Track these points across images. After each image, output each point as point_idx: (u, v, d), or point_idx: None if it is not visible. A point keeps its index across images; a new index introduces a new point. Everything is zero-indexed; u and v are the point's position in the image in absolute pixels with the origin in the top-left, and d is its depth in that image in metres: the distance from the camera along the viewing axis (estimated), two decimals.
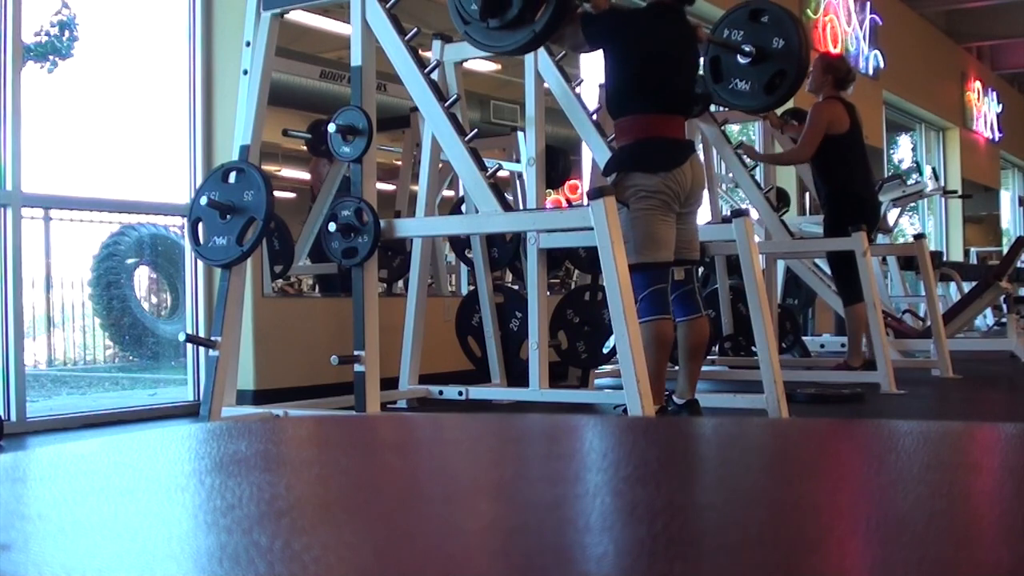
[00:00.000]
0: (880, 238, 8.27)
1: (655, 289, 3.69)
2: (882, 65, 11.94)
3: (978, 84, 15.53)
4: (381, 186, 4.45)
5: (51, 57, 5.40)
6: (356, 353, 3.86)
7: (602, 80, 4.05)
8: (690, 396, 3.85)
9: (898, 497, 0.71)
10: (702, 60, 4.68)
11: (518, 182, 5.80)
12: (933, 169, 12.52)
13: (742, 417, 3.92)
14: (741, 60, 4.87)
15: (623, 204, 3.64)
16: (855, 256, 5.44)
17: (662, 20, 3.81)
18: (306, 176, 5.61)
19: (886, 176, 9.72)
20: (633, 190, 3.70)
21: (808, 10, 10.29)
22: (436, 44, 5.02)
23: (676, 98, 3.83)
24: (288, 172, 5.52)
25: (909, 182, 9.39)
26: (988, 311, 9.38)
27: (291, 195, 5.57)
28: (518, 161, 5.70)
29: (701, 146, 6.23)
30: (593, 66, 7.29)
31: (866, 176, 5.77)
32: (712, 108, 5.89)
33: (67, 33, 5.43)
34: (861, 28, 11.52)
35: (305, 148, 5.30)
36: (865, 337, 5.63)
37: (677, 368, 4.03)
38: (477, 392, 4.69)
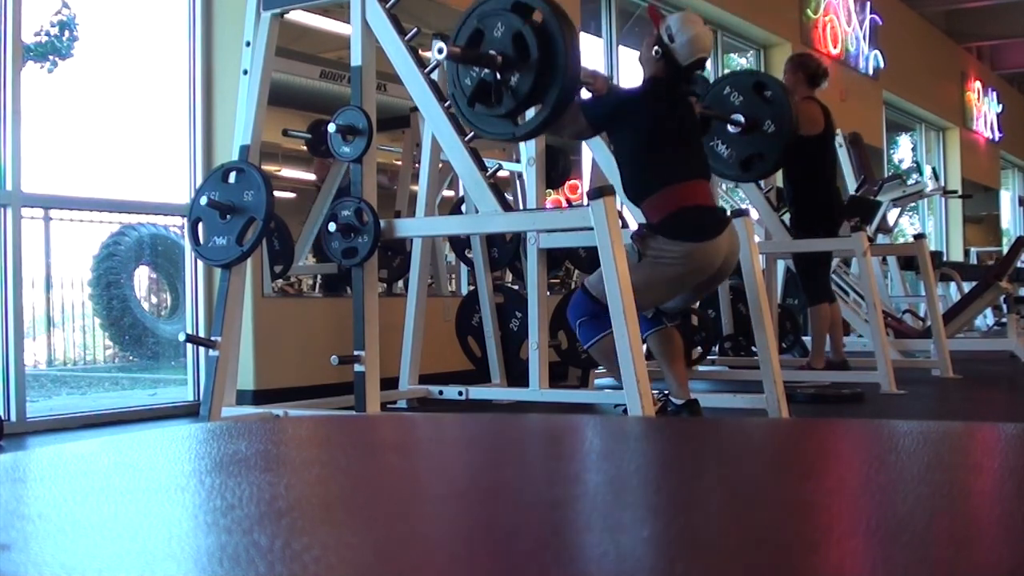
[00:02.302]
0: (880, 238, 8.28)
1: (595, 313, 3.66)
2: (882, 65, 11.94)
3: (978, 84, 15.53)
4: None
5: (51, 57, 5.40)
6: (356, 353, 3.86)
7: (617, 166, 4.03)
8: (686, 396, 3.85)
9: (898, 497, 0.71)
10: None
11: (518, 182, 5.80)
12: (933, 169, 12.53)
13: (742, 417, 3.92)
14: (730, 128, 4.91)
15: (640, 255, 3.56)
16: (818, 257, 5.50)
17: (661, 93, 3.77)
18: (306, 176, 5.61)
19: (886, 176, 9.72)
20: (652, 254, 3.60)
21: (808, 10, 10.29)
22: (436, 44, 5.01)
23: (696, 165, 3.76)
24: (288, 172, 5.52)
25: (909, 182, 9.39)
26: (988, 311, 9.38)
27: (291, 195, 5.57)
28: (518, 161, 5.69)
29: None
30: (592, 66, 7.30)
31: (832, 180, 5.81)
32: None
33: (67, 33, 5.43)
34: (861, 28, 11.52)
35: (305, 148, 5.30)
36: (831, 339, 5.65)
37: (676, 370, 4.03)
38: (477, 392, 4.69)
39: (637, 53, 3.97)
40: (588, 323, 3.68)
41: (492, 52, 3.42)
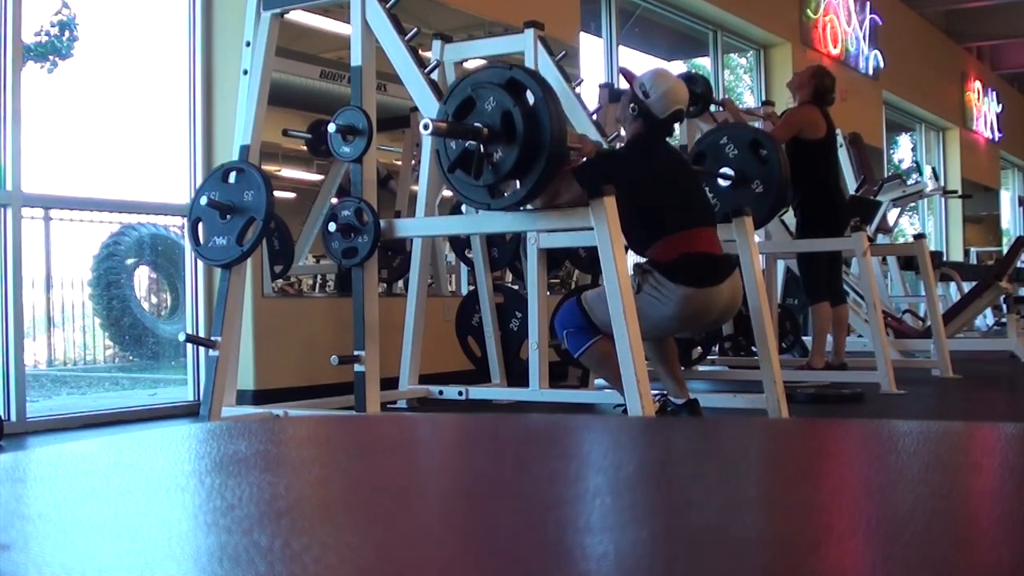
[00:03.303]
0: (880, 238, 8.29)
1: (581, 325, 3.67)
2: (882, 65, 11.94)
3: (978, 84, 15.53)
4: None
5: (51, 57, 5.40)
6: (356, 353, 3.86)
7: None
8: (685, 396, 3.85)
9: (898, 497, 0.71)
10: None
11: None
12: (933, 169, 12.52)
13: (742, 417, 3.92)
14: (720, 181, 4.91)
15: (637, 289, 3.55)
16: (820, 256, 5.51)
17: (651, 150, 3.79)
18: (306, 176, 5.61)
19: (886, 176, 9.72)
20: (648, 289, 3.60)
21: (808, 10, 10.29)
22: (436, 44, 5.02)
23: (697, 212, 3.77)
24: (288, 172, 5.52)
25: (909, 182, 9.39)
26: (988, 311, 9.38)
27: (291, 195, 5.57)
28: None
29: None
30: (592, 66, 7.30)
31: (837, 182, 5.83)
32: (712, 108, 5.90)
33: (67, 33, 5.44)
34: (861, 28, 11.52)
35: (305, 148, 5.30)
36: (834, 341, 5.66)
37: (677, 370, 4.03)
38: (477, 392, 4.69)
39: (617, 112, 4.00)
40: (575, 333, 3.70)
41: (478, 125, 3.43)
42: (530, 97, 3.41)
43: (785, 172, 4.90)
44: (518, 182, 3.48)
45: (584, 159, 3.91)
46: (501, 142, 3.41)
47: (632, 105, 3.80)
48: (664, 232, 3.67)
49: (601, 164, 3.83)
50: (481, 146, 3.45)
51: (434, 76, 3.92)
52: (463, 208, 5.02)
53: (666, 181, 3.75)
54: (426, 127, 3.38)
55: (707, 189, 4.83)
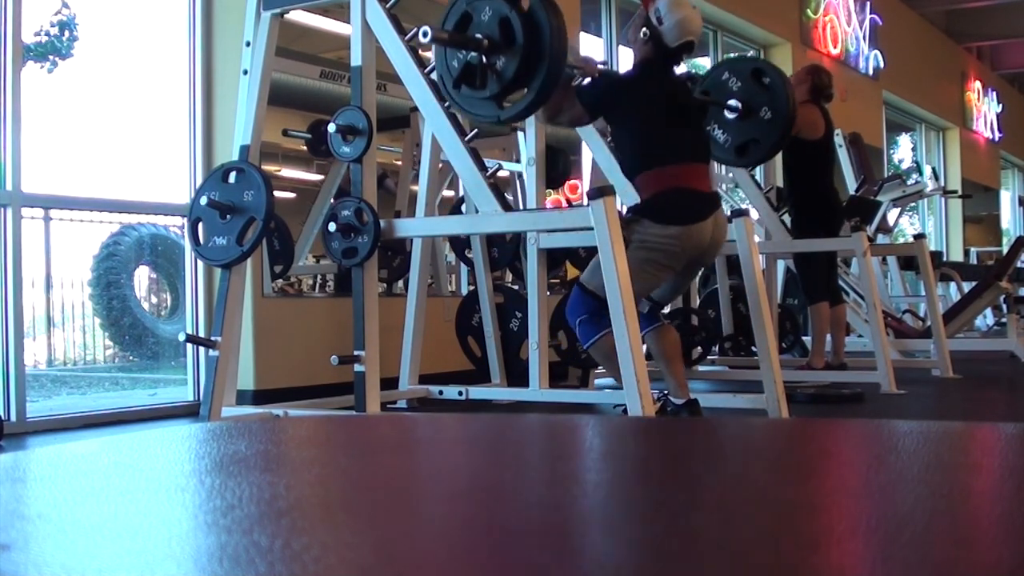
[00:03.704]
0: (880, 238, 8.28)
1: (594, 312, 3.67)
2: (882, 65, 11.94)
3: (978, 84, 15.53)
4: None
5: (51, 57, 5.40)
6: (356, 353, 3.86)
7: (615, 148, 4.03)
8: (686, 396, 3.85)
9: (898, 497, 0.71)
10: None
11: (518, 182, 5.79)
12: (933, 169, 12.52)
13: (742, 417, 3.92)
14: (727, 113, 4.90)
15: (626, 243, 3.56)
16: (817, 256, 5.50)
17: (656, 77, 3.79)
18: (306, 176, 5.61)
19: (886, 176, 9.72)
20: (638, 238, 3.62)
21: (808, 10, 10.29)
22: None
23: (691, 147, 3.78)
24: (288, 172, 5.52)
25: (909, 182, 9.39)
26: (988, 311, 9.37)
27: (291, 195, 5.57)
28: (518, 161, 5.69)
29: None
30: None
31: (832, 181, 5.83)
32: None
33: (67, 33, 5.44)
34: (861, 28, 11.52)
35: (305, 148, 5.30)
36: (833, 340, 5.66)
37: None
38: (477, 392, 4.69)
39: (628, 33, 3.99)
40: (587, 322, 3.68)
41: (479, 36, 3.47)
42: (525, 3, 3.42)
43: (790, 93, 4.87)
44: (525, 91, 3.50)
45: (588, 79, 3.90)
46: (502, 51, 3.44)
47: (644, 30, 3.78)
48: (655, 163, 3.69)
49: (604, 85, 3.83)
50: (483, 57, 3.47)
51: (434, 76, 3.92)
52: (463, 208, 5.02)
53: (666, 111, 3.76)
54: (425, 35, 3.42)
55: (716, 125, 4.83)
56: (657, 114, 3.73)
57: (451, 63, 3.58)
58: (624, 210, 3.86)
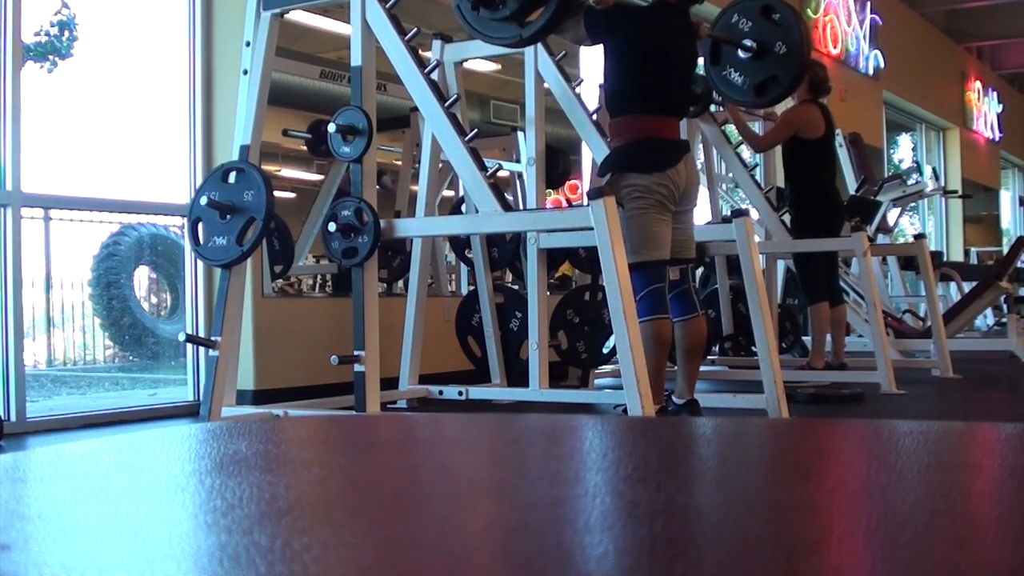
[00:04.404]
0: (880, 238, 8.29)
1: (653, 288, 3.70)
2: (882, 65, 11.94)
3: (978, 84, 15.53)
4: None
5: (51, 57, 5.40)
6: (356, 353, 3.86)
7: (602, 79, 4.05)
8: (689, 396, 3.85)
9: (898, 497, 0.71)
10: (703, 44, 4.67)
11: (518, 182, 5.80)
12: (933, 169, 12.53)
13: (742, 417, 3.92)
14: (741, 53, 4.86)
15: (619, 204, 3.64)
16: (817, 256, 5.49)
17: (663, 18, 3.82)
18: (306, 176, 5.61)
19: (886, 176, 9.72)
20: (628, 189, 3.72)
21: (808, 10, 10.29)
22: (436, 44, 5.02)
23: (673, 99, 3.87)
24: (288, 172, 5.52)
25: (909, 182, 9.39)
26: (988, 311, 9.38)
27: (291, 195, 5.57)
28: (518, 161, 5.70)
29: (701, 146, 6.24)
30: (593, 66, 7.29)
31: (833, 180, 5.82)
32: (712, 108, 5.89)
33: (67, 33, 5.43)
34: (861, 28, 11.52)
35: (305, 148, 5.30)
36: (833, 340, 5.66)
37: (676, 368, 4.03)
38: (477, 392, 4.69)
39: None
40: (645, 298, 3.72)
41: None
42: None
43: (802, 24, 4.83)
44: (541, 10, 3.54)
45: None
46: None
47: None
48: (633, 109, 3.78)
49: (612, 16, 3.85)
50: None
51: (434, 76, 3.92)
52: (463, 208, 5.02)
53: (665, 57, 3.80)
54: None
55: (732, 68, 4.82)
56: (655, 57, 3.79)
57: None
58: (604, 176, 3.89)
